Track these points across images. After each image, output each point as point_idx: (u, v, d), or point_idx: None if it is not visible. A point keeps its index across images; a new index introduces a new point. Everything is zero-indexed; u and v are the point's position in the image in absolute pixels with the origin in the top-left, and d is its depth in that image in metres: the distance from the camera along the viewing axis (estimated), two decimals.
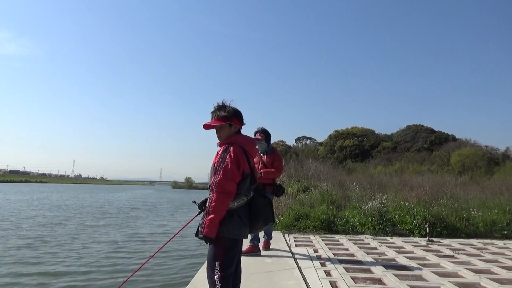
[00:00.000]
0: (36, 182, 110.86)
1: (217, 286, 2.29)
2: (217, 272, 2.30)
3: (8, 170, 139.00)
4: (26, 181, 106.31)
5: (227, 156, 2.37)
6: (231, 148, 2.40)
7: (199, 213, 2.58)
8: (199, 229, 2.36)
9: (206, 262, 2.48)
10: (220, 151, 2.45)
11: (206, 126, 2.51)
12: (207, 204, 2.34)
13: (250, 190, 2.46)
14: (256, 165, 4.55)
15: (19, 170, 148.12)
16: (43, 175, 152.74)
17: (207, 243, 2.32)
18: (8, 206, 21.88)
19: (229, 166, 2.33)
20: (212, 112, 2.55)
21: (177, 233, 3.36)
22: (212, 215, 2.26)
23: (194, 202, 2.66)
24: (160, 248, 3.59)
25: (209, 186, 2.44)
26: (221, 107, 2.52)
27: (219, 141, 2.54)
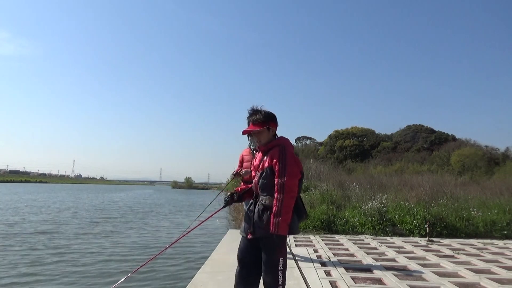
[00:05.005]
0: (36, 182, 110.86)
1: (280, 280, 2.47)
2: (281, 267, 2.48)
3: (8, 170, 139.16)
4: (26, 181, 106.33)
5: (287, 158, 2.46)
6: (287, 150, 2.51)
7: (224, 207, 2.82)
8: (257, 228, 2.50)
9: (262, 263, 2.53)
10: (274, 154, 2.49)
11: (246, 132, 2.59)
12: (276, 205, 2.38)
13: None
14: (247, 164, 4.39)
15: (19, 170, 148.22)
16: (43, 175, 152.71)
17: (277, 243, 2.47)
18: None
19: (293, 168, 2.45)
20: (248, 118, 2.60)
21: (194, 228, 3.43)
22: (284, 216, 2.36)
23: (226, 199, 2.77)
24: (177, 240, 3.46)
25: (261, 187, 2.53)
26: (257, 112, 2.57)
27: (257, 144, 2.62)
